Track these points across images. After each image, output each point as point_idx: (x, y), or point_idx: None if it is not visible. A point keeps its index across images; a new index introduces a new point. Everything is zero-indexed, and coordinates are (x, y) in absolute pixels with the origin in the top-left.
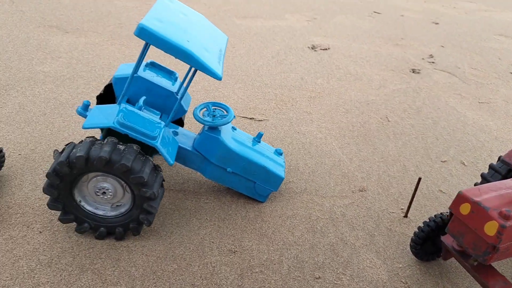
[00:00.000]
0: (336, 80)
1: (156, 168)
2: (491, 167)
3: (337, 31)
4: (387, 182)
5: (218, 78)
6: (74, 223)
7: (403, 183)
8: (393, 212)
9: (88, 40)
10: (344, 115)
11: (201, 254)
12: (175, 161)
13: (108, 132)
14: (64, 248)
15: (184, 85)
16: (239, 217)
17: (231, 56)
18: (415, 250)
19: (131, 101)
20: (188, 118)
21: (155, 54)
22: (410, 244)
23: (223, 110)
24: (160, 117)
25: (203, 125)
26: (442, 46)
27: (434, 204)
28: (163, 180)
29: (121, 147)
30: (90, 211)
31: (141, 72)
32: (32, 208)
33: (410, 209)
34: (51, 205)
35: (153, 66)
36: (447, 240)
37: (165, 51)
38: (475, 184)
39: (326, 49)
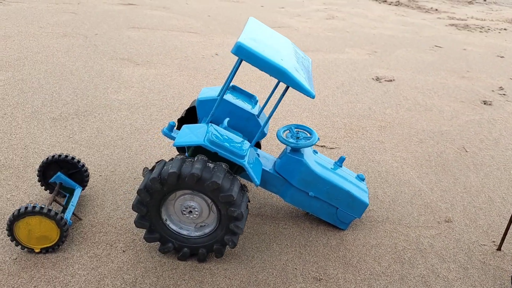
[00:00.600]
0: (406, 110)
1: (242, 188)
2: None
3: (400, 64)
4: (473, 214)
5: (312, 96)
6: (157, 243)
7: (491, 214)
8: (484, 245)
9: (158, 72)
10: (419, 145)
11: (285, 281)
12: None
13: (194, 150)
14: (147, 268)
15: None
16: (321, 244)
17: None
18: None
19: (214, 123)
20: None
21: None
22: None
23: (306, 133)
24: None
25: (284, 148)
26: (511, 79)
27: None
28: (249, 201)
29: (211, 165)
30: (174, 230)
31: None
32: (115, 228)
33: (504, 242)
34: (139, 223)
35: (234, 89)
36: None
37: (260, 69)
38: None
39: (391, 81)
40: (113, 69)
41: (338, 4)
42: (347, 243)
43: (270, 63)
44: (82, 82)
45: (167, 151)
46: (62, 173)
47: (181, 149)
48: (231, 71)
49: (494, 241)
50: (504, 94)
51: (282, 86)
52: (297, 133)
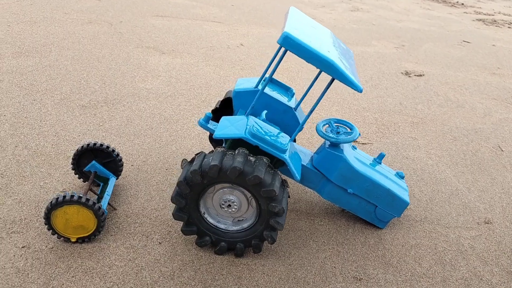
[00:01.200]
0: (437, 106)
1: (283, 183)
2: None
3: (429, 58)
4: None
5: (360, 90)
6: (194, 236)
7: None
8: None
9: (184, 61)
10: (453, 143)
11: (324, 279)
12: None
13: (233, 143)
14: (184, 261)
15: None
16: (359, 243)
17: (324, 80)
18: None
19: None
20: None
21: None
22: None
23: (346, 127)
24: None
25: (322, 143)
26: None
27: None
28: (289, 196)
29: (252, 158)
30: (212, 224)
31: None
32: (150, 219)
33: None
34: (177, 215)
35: (270, 81)
36: None
37: (306, 60)
38: None
39: (420, 75)
40: (139, 57)
41: None
42: (386, 243)
43: (317, 55)
44: (109, 70)
45: (197, 141)
46: (97, 162)
47: (216, 141)
48: (272, 62)
49: None
50: None
51: (324, 79)
52: (337, 127)
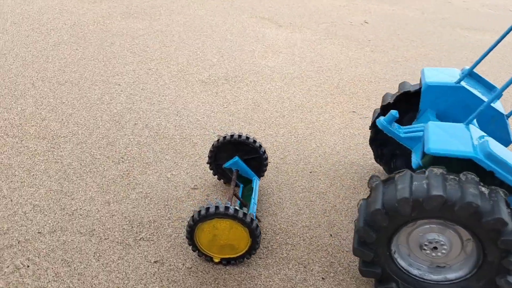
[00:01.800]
0: None
1: None
2: None
3: None
4: None
5: None
6: (374, 280)
7: None
8: None
9: (304, 37)
10: None
11: None
12: None
13: (433, 160)
14: None
15: None
16: None
17: None
18: None
19: (438, 118)
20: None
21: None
22: None
23: None
24: None
25: None
26: None
27: None
28: None
29: (484, 189)
30: (403, 267)
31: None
32: (303, 240)
33: None
34: (358, 250)
35: (470, 76)
36: None
37: None
38: None
39: None
40: (255, 29)
41: None
42: None
43: None
44: (225, 41)
45: (339, 138)
46: (240, 158)
47: (378, 144)
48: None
49: None
50: None
51: None
52: None
